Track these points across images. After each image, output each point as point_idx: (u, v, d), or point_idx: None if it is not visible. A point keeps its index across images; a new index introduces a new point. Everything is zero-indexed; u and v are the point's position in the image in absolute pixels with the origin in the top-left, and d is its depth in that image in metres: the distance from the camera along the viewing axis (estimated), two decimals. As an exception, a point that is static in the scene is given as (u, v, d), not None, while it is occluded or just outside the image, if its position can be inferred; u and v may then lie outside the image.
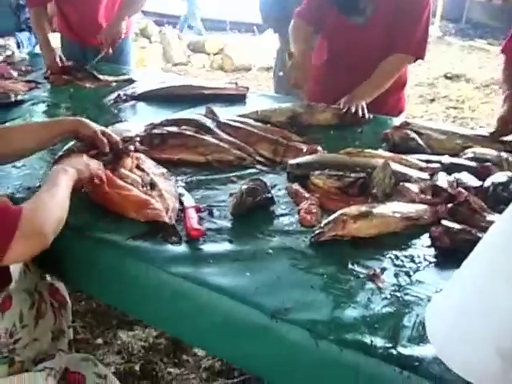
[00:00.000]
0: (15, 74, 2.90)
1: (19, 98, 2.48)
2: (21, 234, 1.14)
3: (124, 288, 1.37)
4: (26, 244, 1.17)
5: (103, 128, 1.70)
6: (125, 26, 3.04)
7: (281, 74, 2.41)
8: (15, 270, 1.33)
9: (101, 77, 2.84)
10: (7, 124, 2.22)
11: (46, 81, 2.82)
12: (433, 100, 6.02)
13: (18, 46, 3.48)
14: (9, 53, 3.24)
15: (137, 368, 2.27)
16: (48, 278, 1.66)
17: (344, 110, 2.21)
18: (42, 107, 2.46)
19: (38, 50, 3.29)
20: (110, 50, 3.01)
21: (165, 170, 1.73)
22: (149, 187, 1.58)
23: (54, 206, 1.26)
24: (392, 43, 2.31)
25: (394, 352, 1.06)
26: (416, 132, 2.00)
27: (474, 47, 9.17)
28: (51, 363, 1.40)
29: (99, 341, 2.41)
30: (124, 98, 2.55)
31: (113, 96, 2.58)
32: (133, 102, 2.54)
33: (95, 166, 1.54)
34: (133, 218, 1.46)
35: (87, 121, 1.67)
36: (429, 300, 1.21)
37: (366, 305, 1.19)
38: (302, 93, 2.35)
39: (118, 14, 3.10)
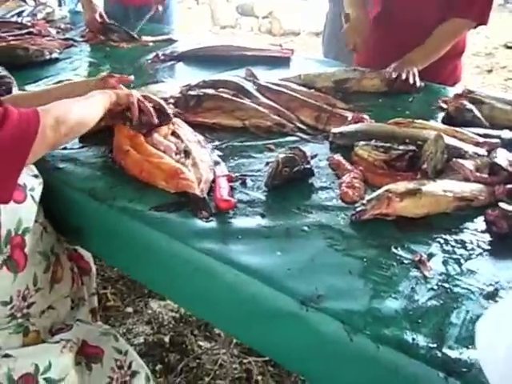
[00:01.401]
0: (54, 31, 2.81)
1: (54, 55, 2.39)
2: (43, 125, 1.17)
3: (145, 261, 1.26)
4: (47, 136, 1.18)
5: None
6: None
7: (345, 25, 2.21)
8: (14, 218, 1.23)
9: (138, 37, 2.73)
10: (40, 82, 2.14)
11: (80, 40, 2.72)
12: (490, 71, 5.69)
13: (60, 4, 3.40)
14: (49, 10, 3.15)
15: (166, 340, 2.20)
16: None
17: (394, 76, 2.03)
18: (76, 66, 2.36)
19: (79, 7, 3.20)
20: (160, 7, 2.89)
21: (201, 138, 1.61)
22: (183, 155, 1.46)
23: (77, 108, 1.30)
24: (451, 3, 2.11)
25: (439, 354, 0.92)
26: (479, 101, 1.82)
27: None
28: (68, 335, 1.32)
29: (129, 309, 2.35)
30: (162, 57, 2.44)
31: (150, 56, 2.46)
32: (171, 63, 2.42)
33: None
34: (162, 187, 1.35)
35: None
36: (481, 294, 1.07)
37: (409, 296, 1.05)
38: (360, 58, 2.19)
39: None
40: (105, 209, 1.29)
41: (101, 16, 2.85)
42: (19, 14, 3.05)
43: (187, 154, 1.47)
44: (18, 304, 1.24)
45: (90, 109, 1.36)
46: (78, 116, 1.29)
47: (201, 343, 2.21)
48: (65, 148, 1.55)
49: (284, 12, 7.36)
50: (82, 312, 1.50)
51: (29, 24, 2.85)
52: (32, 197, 1.25)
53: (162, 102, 1.61)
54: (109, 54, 2.54)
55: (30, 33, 2.72)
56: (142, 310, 2.36)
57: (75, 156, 1.52)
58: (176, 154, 1.47)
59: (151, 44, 2.68)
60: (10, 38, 2.57)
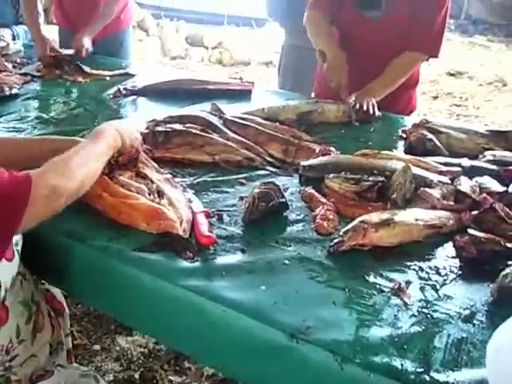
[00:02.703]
0: (10, 66, 2.78)
1: (14, 91, 2.36)
2: (34, 195, 1.08)
3: (131, 301, 1.25)
4: (41, 206, 1.10)
5: None
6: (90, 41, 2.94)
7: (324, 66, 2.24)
8: (6, 276, 1.22)
9: (93, 71, 2.72)
10: (2, 119, 2.12)
11: (38, 74, 2.69)
12: (436, 97, 5.93)
13: (14, 38, 3.36)
14: (3, 44, 3.11)
15: (136, 376, 2.17)
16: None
17: (355, 107, 2.10)
18: (38, 102, 2.34)
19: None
20: (84, 53, 2.89)
21: (169, 176, 1.58)
22: (156, 195, 1.44)
23: (78, 171, 1.19)
24: (406, 40, 2.21)
25: (428, 378, 0.97)
26: (436, 131, 1.91)
27: (473, 43, 9.07)
28: (49, 381, 1.31)
29: (97, 347, 2.31)
30: (124, 92, 2.45)
31: (112, 90, 2.47)
32: (133, 97, 2.43)
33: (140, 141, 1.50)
34: (144, 229, 1.34)
35: (81, 140, 1.55)
36: (460, 318, 1.12)
37: (392, 323, 1.09)
38: (344, 95, 2.23)
39: (85, 30, 2.97)
40: (85, 249, 1.29)
41: (52, 49, 2.85)
42: (-28, 49, 3.00)
43: (160, 194, 1.45)
44: (1, 358, 1.22)
45: (93, 166, 1.26)
46: (78, 180, 1.19)
47: (171, 378, 2.19)
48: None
49: (234, 42, 7.47)
50: (61, 356, 1.47)
51: (-17, 58, 2.81)
52: (18, 251, 1.24)
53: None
54: (69, 90, 2.52)
55: (-15, 67, 2.68)
56: (110, 346, 2.33)
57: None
58: (149, 194, 1.44)
59: (108, 78, 2.69)
60: (-35, 73, 2.53)
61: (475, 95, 6.07)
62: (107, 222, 1.36)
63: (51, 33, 3.37)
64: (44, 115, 2.17)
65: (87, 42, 2.91)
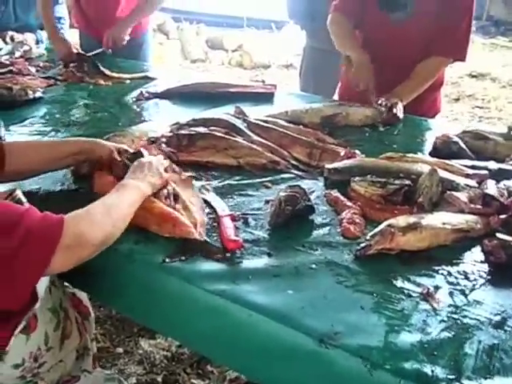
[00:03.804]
0: (33, 70, 2.81)
1: (37, 95, 2.39)
2: (63, 244, 1.06)
3: (156, 306, 1.25)
4: (68, 255, 1.09)
5: (119, 146, 1.59)
6: (129, 32, 2.98)
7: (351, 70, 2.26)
8: (41, 286, 1.23)
9: (114, 74, 2.75)
10: (27, 122, 2.14)
11: (60, 78, 2.72)
12: (457, 99, 5.87)
13: (37, 43, 3.40)
14: (26, 48, 3.15)
15: (159, 379, 2.17)
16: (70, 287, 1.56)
17: (383, 110, 2.09)
18: (61, 105, 2.36)
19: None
20: (110, 50, 2.95)
21: (185, 175, 1.59)
22: (172, 198, 1.43)
23: (104, 219, 1.17)
24: (432, 43, 2.20)
25: (459, 385, 0.95)
26: (484, 137, 1.88)
27: (495, 45, 8.97)
28: None
29: (119, 350, 2.31)
30: (146, 95, 2.46)
31: (134, 93, 2.48)
32: (156, 100, 2.44)
33: (164, 168, 1.47)
34: (155, 231, 1.34)
35: (102, 141, 1.59)
36: (490, 324, 1.10)
37: (421, 328, 1.08)
38: (372, 97, 2.21)
39: (128, 18, 3.04)
40: (111, 252, 1.28)
41: (75, 48, 2.90)
42: (-3, 53, 3.04)
43: (176, 197, 1.45)
44: (30, 365, 1.23)
45: (122, 218, 1.23)
46: (106, 231, 1.17)
47: (194, 381, 2.19)
48: (60, 191, 1.57)
49: (253, 45, 7.47)
50: (87, 361, 1.48)
51: (7, 63, 2.84)
52: None
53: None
54: (91, 93, 2.54)
55: (10, 71, 2.71)
56: (133, 349, 2.33)
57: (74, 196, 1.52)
58: (165, 197, 1.43)
59: (128, 81, 2.70)
60: (-10, 77, 2.56)
61: (498, 97, 6.00)
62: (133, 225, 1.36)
63: (73, 37, 3.40)
64: (67, 118, 2.20)
65: (126, 33, 2.95)
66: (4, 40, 3.22)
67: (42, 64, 2.96)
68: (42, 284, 1.25)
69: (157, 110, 2.35)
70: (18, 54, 3.07)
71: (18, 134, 2.04)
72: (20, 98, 2.34)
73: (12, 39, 3.25)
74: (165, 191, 1.43)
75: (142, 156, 1.50)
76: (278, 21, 8.54)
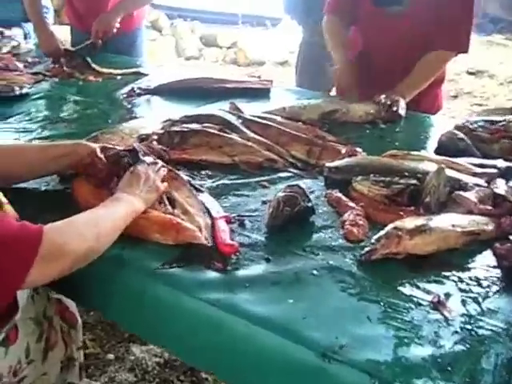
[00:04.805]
0: (21, 65, 2.71)
1: (24, 91, 2.29)
2: (42, 256, 0.97)
3: (145, 315, 1.16)
4: (46, 268, 1.00)
5: (104, 145, 1.49)
6: (118, 20, 2.85)
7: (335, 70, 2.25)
8: (22, 295, 1.14)
9: (104, 70, 2.65)
10: (12, 119, 2.04)
11: (48, 74, 2.62)
12: (455, 97, 5.78)
13: (25, 37, 3.30)
14: (14, 43, 3.05)
15: (151, 387, 2.09)
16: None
17: (389, 104, 2.02)
18: (49, 102, 2.27)
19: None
20: (100, 41, 2.84)
21: (180, 175, 1.49)
22: (167, 202, 1.34)
23: (87, 232, 1.08)
24: (432, 36, 2.12)
25: (478, 405, 0.87)
26: None
27: (492, 42, 8.88)
28: None
29: (110, 356, 2.22)
30: (138, 91, 2.37)
31: (125, 90, 2.39)
32: (147, 97, 2.35)
33: (160, 177, 1.36)
34: (156, 240, 1.24)
35: (84, 142, 1.49)
36: (507, 335, 1.01)
37: (433, 341, 0.99)
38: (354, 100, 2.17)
39: (117, 7, 2.92)
40: (101, 259, 1.20)
41: (61, 44, 2.82)
42: (-18, 49, 2.94)
43: (172, 201, 1.36)
44: (8, 381, 1.14)
45: (108, 232, 1.14)
46: (89, 244, 1.08)
47: (188, 389, 2.10)
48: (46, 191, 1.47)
49: (248, 42, 7.36)
50: (73, 372, 1.39)
51: (-6, 58, 2.75)
52: None
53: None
54: (81, 89, 2.44)
55: (-4, 67, 2.62)
56: (124, 356, 2.24)
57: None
58: (159, 203, 1.34)
59: (119, 77, 2.60)
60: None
61: (497, 94, 5.91)
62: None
63: (64, 34, 3.30)
64: (55, 115, 2.11)
65: (115, 21, 2.83)
66: (-4, 36, 3.13)
67: (30, 59, 2.86)
68: (23, 293, 1.16)
69: (148, 106, 2.26)
70: (5, 49, 2.98)
71: (3, 131, 1.95)
72: (6, 94, 2.25)
73: (2, 34, 3.16)
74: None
75: (137, 153, 1.40)
76: (274, 18, 8.45)
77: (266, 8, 8.67)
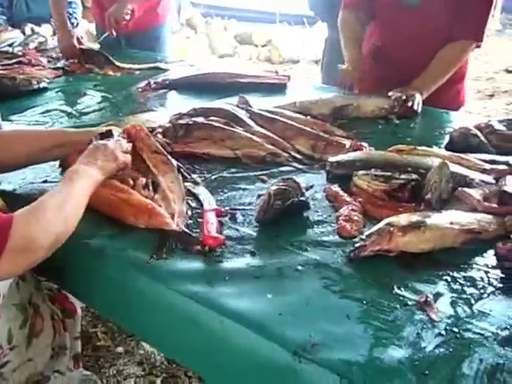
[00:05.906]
0: (45, 61, 2.75)
1: (42, 85, 2.32)
2: (10, 248, 0.96)
3: (125, 304, 1.15)
4: (16, 259, 0.99)
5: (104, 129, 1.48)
6: (129, 7, 2.83)
7: (342, 66, 2.22)
8: (5, 282, 1.14)
9: (123, 65, 2.65)
10: (26, 112, 2.07)
11: (67, 69, 2.64)
12: (492, 95, 5.61)
13: (54, 33, 3.35)
14: (41, 39, 3.09)
15: (158, 382, 2.07)
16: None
17: (403, 99, 1.96)
18: (65, 95, 2.30)
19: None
20: (114, 33, 2.84)
21: (171, 160, 1.47)
22: (151, 188, 1.34)
23: (55, 218, 1.05)
24: (450, 28, 2.04)
25: (452, 413, 0.81)
26: None
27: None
28: None
29: (120, 349, 2.22)
30: (153, 86, 2.36)
31: (142, 84, 2.38)
32: (163, 91, 2.34)
33: (123, 150, 1.34)
34: (131, 223, 1.24)
35: (85, 130, 1.49)
36: (496, 339, 0.95)
37: (414, 343, 0.94)
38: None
39: None
40: (81, 248, 1.19)
41: (78, 41, 2.81)
42: (10, 44, 2.99)
43: (155, 186, 1.36)
44: None
45: (74, 213, 1.11)
46: (58, 230, 1.05)
47: (195, 385, 2.09)
48: (32, 182, 1.48)
49: (283, 40, 7.32)
50: (62, 361, 1.38)
51: (19, 53, 2.80)
52: None
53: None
54: (99, 83, 2.45)
55: (19, 62, 2.65)
56: (134, 350, 2.23)
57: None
58: (144, 187, 1.34)
59: (137, 72, 2.60)
60: (-1, 68, 2.51)
61: (535, 94, 5.73)
62: (106, 219, 1.26)
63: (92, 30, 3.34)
64: (68, 108, 2.13)
65: (125, 8, 2.82)
66: (23, 32, 3.18)
67: (54, 55, 2.89)
68: (7, 280, 1.16)
69: (162, 100, 2.25)
70: (32, 45, 3.02)
71: (17, 123, 1.97)
72: (23, 88, 2.28)
73: (33, 31, 3.21)
74: (143, 180, 1.34)
75: (110, 136, 1.38)
76: (311, 16, 8.37)
77: (303, 7, 8.62)
